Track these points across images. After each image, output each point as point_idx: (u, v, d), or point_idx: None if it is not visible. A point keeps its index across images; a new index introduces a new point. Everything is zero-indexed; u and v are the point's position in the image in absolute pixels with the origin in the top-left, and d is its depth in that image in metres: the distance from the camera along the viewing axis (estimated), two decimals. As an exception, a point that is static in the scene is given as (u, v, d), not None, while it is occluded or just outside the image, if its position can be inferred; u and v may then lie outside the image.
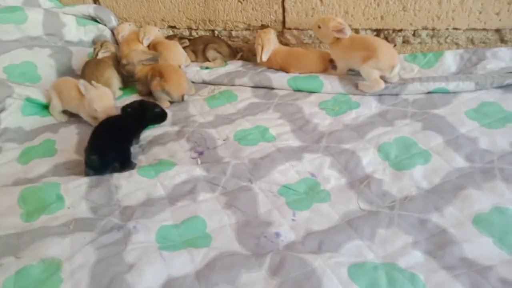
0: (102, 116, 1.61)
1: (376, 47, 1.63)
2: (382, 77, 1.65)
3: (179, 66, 2.12)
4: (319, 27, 1.78)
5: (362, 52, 1.66)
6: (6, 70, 2.03)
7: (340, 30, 1.70)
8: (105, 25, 2.39)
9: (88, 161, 1.42)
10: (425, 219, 1.12)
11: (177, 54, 2.14)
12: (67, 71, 2.19)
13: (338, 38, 1.73)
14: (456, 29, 1.81)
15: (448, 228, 1.09)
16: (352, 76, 1.79)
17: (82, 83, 1.65)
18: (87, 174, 1.43)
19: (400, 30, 1.90)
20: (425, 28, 1.85)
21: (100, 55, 2.00)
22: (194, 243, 1.12)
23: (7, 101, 1.77)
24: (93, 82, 1.70)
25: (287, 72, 1.96)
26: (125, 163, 1.47)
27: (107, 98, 1.67)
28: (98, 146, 1.44)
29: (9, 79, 1.97)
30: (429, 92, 1.65)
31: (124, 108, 1.66)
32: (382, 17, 1.88)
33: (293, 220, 1.17)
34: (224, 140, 1.58)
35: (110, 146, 1.45)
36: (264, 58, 1.95)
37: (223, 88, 1.98)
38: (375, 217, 1.14)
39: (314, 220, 1.17)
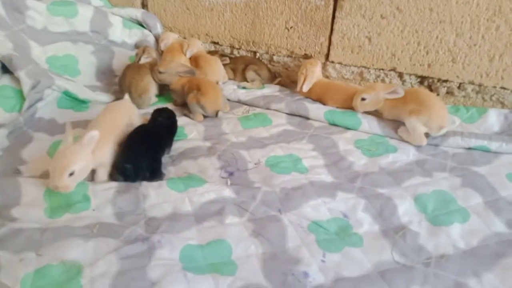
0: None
1: (430, 105, 1.60)
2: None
3: (217, 82, 2.12)
4: (363, 99, 1.75)
5: (413, 105, 1.63)
6: (48, 61, 2.07)
7: (394, 91, 1.67)
8: (150, 31, 2.42)
9: (121, 169, 1.40)
10: (461, 283, 1.07)
11: (216, 70, 2.15)
12: (106, 71, 2.21)
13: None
14: (503, 88, 1.78)
15: (486, 297, 1.04)
16: (392, 119, 1.77)
17: (90, 135, 1.30)
18: (116, 180, 1.41)
19: (446, 81, 1.87)
20: (471, 83, 1.83)
21: (143, 60, 2.01)
22: (218, 269, 1.08)
23: (46, 92, 1.78)
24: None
25: (324, 104, 1.95)
26: (155, 173, 1.45)
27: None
28: (133, 155, 1.42)
29: (50, 70, 1.99)
30: (469, 148, 1.61)
31: (155, 118, 1.65)
32: (429, 65, 1.87)
33: (322, 261, 1.13)
34: (255, 164, 1.56)
35: (144, 156, 1.43)
36: (305, 89, 1.94)
37: (257, 110, 1.97)
38: (410, 273, 1.09)
39: (344, 264, 1.12)
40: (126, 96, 1.74)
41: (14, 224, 1.20)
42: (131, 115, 1.61)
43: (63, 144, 1.31)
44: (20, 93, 1.76)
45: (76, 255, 1.08)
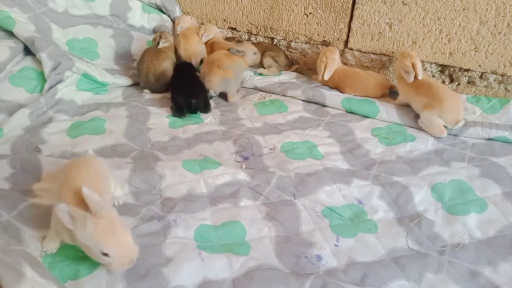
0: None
1: (442, 99, 1.58)
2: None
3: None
4: (396, 58, 1.77)
5: (425, 98, 1.62)
6: (69, 43, 2.09)
7: (406, 72, 1.67)
8: (169, 14, 2.42)
9: (186, 104, 1.75)
10: (476, 271, 1.06)
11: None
12: (125, 54, 2.23)
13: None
14: (528, 78, 1.73)
15: (502, 286, 1.02)
16: (411, 108, 1.74)
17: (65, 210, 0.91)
18: (175, 115, 1.78)
19: (467, 70, 1.83)
20: (494, 73, 1.78)
21: (161, 45, 2.02)
22: (232, 249, 1.10)
23: (66, 73, 1.81)
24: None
25: (342, 91, 1.93)
26: (207, 105, 1.82)
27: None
28: (193, 92, 1.77)
29: (70, 52, 2.02)
30: (489, 139, 1.58)
31: (182, 67, 2.00)
32: (450, 54, 1.83)
33: (336, 245, 1.13)
34: (270, 149, 1.56)
35: (199, 91, 1.81)
36: (326, 77, 1.92)
37: (274, 96, 1.97)
38: (424, 260, 1.08)
39: (358, 250, 1.12)
40: (91, 151, 1.36)
41: (35, 200, 1.23)
42: (106, 175, 1.16)
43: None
44: (42, 74, 1.80)
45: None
